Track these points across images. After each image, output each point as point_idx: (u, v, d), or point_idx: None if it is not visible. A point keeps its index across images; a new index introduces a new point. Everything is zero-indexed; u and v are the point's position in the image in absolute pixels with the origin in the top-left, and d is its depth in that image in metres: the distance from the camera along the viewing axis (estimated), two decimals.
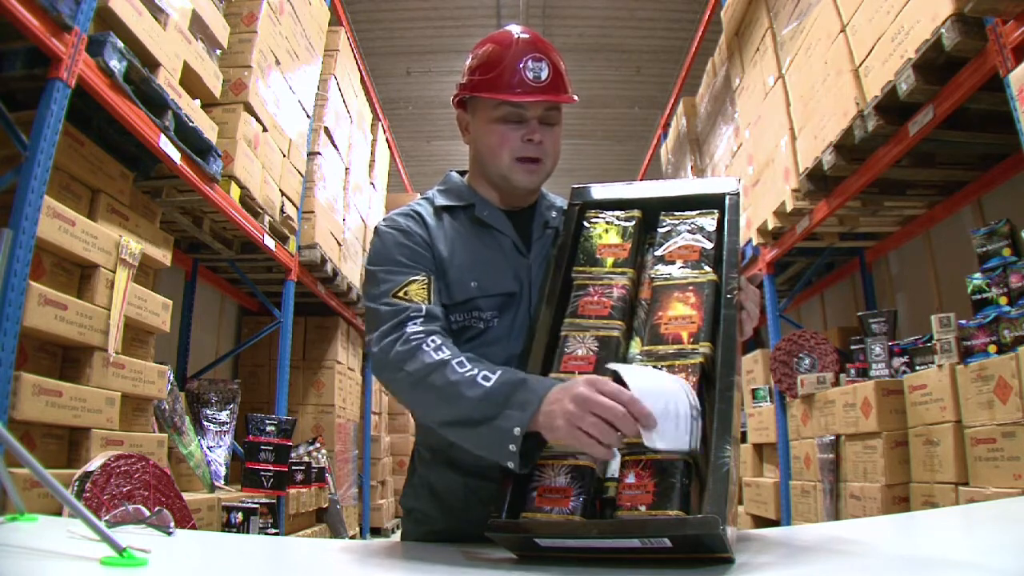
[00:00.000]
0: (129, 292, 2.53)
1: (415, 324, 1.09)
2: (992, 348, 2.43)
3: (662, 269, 1.13)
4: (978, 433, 2.37)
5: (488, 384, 0.98)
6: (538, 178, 1.26)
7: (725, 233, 1.14)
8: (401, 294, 1.14)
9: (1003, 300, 2.45)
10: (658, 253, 1.16)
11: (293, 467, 4.14)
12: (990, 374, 2.32)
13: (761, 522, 4.24)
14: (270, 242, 3.92)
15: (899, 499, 2.86)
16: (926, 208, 3.81)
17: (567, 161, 9.00)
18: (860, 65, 2.93)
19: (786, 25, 3.76)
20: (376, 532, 6.77)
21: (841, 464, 3.31)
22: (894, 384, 2.99)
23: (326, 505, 4.75)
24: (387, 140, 7.38)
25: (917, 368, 3.00)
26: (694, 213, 1.19)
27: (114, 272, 2.47)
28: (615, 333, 1.08)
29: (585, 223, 1.25)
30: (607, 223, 1.23)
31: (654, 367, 1.00)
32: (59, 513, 1.64)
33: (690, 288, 1.08)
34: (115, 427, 2.40)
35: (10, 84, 2.28)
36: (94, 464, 2.13)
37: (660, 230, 1.19)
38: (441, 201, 1.31)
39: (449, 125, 8.79)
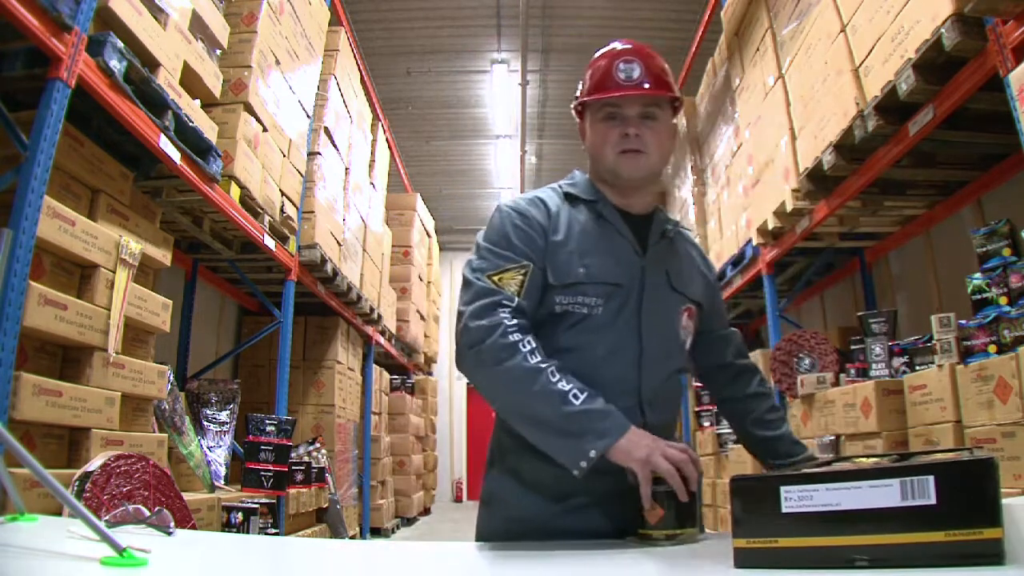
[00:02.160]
0: (129, 292, 2.53)
1: (506, 312, 1.19)
2: (992, 348, 2.43)
3: None
4: (978, 433, 2.37)
5: (577, 403, 1.12)
6: (642, 168, 1.33)
7: None
8: (496, 278, 1.24)
9: (1003, 300, 2.45)
10: None
11: (293, 467, 4.14)
12: (990, 374, 2.32)
13: None
14: (270, 242, 3.92)
15: None
16: (926, 208, 3.81)
17: (566, 162, 8.99)
18: (860, 65, 2.93)
19: (786, 25, 3.76)
20: (376, 532, 6.77)
21: None
22: (894, 384, 2.99)
23: (326, 505, 4.75)
24: (387, 140, 7.38)
25: (917, 368, 3.00)
26: None
27: (114, 272, 2.47)
28: None
29: None
30: None
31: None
32: (59, 513, 1.63)
33: None
34: (115, 427, 2.40)
35: (10, 84, 2.28)
36: (94, 464, 2.13)
37: None
38: (568, 190, 1.40)
39: (448, 125, 8.82)
